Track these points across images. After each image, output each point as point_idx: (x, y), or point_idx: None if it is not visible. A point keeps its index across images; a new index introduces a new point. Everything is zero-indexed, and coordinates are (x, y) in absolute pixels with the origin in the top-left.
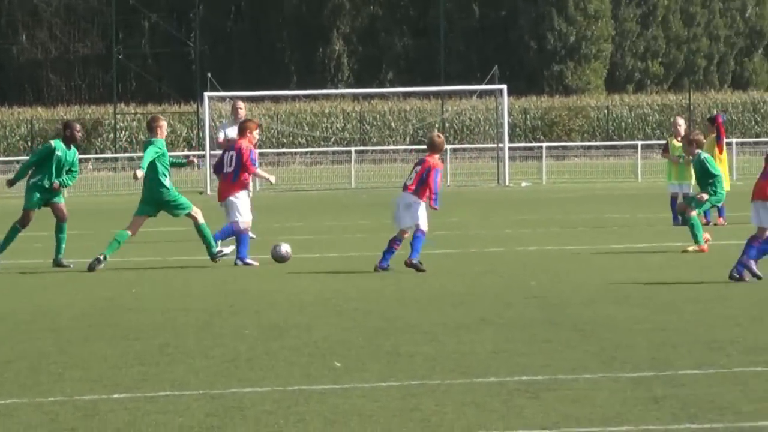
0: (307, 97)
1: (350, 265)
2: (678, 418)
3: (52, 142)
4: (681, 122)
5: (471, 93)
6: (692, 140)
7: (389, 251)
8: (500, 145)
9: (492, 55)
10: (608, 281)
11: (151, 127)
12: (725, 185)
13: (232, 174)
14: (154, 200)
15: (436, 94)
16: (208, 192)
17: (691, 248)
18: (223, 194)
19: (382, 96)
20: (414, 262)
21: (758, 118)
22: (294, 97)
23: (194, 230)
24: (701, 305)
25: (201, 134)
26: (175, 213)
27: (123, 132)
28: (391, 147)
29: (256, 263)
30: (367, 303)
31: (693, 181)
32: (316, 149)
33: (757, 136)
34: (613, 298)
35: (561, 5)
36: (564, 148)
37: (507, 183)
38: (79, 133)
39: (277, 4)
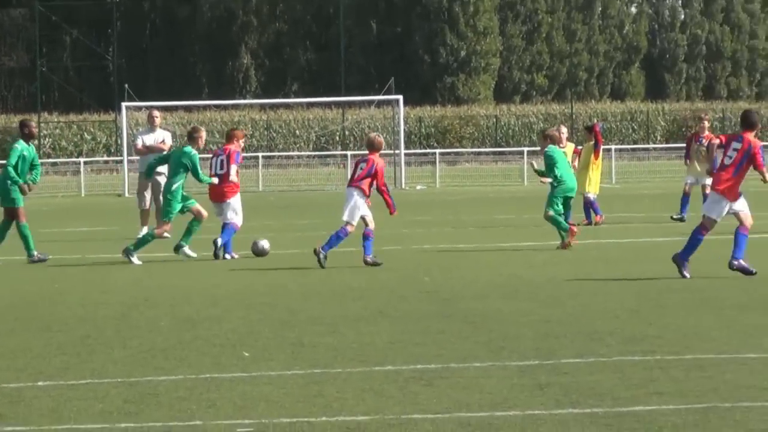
0: (217, 106)
1: (258, 262)
2: (561, 403)
3: (17, 144)
4: (564, 130)
5: (369, 103)
6: (546, 135)
7: (335, 239)
8: (397, 151)
9: (389, 68)
10: (497, 277)
11: (193, 138)
12: (596, 188)
13: (225, 175)
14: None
15: (337, 104)
16: (126, 194)
17: (570, 241)
18: (218, 196)
19: (287, 106)
20: (370, 260)
21: (635, 126)
22: (205, 107)
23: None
24: (582, 299)
25: (119, 141)
26: (164, 209)
27: (47, 139)
28: (296, 153)
29: (237, 256)
30: (273, 297)
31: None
32: None
33: (635, 143)
34: (501, 293)
35: (452, 22)
36: (456, 154)
37: (403, 186)
38: (35, 129)
39: (189, 20)
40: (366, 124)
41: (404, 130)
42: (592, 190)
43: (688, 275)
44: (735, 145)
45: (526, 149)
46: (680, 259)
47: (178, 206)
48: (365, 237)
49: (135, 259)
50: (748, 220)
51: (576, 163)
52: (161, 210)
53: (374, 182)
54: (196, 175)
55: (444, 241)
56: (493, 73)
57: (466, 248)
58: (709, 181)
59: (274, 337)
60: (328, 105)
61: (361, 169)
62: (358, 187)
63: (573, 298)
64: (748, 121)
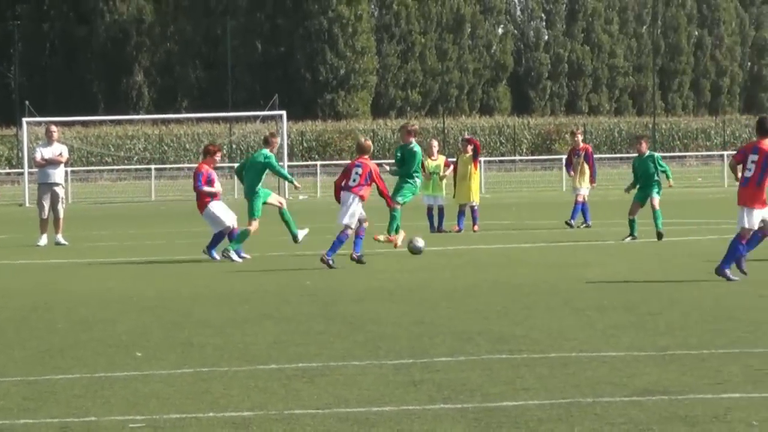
0: (112, 121)
1: (151, 268)
2: (433, 399)
3: None
4: (435, 143)
5: (255, 118)
6: (410, 130)
7: (338, 244)
8: (281, 163)
9: (273, 85)
10: (374, 281)
11: (268, 141)
12: (476, 197)
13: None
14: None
15: (225, 119)
16: (27, 204)
17: (381, 237)
18: (200, 207)
19: (177, 121)
20: (357, 256)
21: (503, 140)
22: (101, 122)
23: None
24: (454, 301)
25: (20, 154)
26: (250, 208)
27: None
28: (186, 165)
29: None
30: (165, 301)
31: (444, 193)
32: (121, 167)
33: (502, 155)
34: (378, 295)
35: (332, 42)
36: (336, 165)
37: (287, 196)
38: None
39: (86, 40)
40: (252, 138)
41: (287, 143)
42: (475, 200)
43: (736, 277)
44: (752, 157)
45: None
46: (722, 270)
47: (261, 203)
48: (357, 235)
49: (235, 256)
50: None
51: (446, 174)
52: (248, 209)
53: (372, 185)
54: (278, 173)
55: (325, 247)
56: (370, 89)
57: (345, 253)
58: (584, 191)
59: (165, 338)
60: (216, 120)
61: (358, 174)
62: (357, 194)
63: (445, 300)
64: (763, 129)
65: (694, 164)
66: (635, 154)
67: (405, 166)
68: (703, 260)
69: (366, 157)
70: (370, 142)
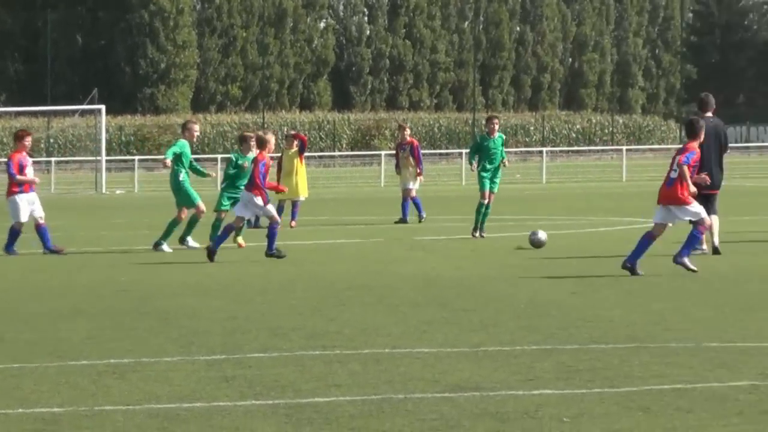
0: None
1: None
2: (245, 395)
3: None
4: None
5: (73, 112)
6: (255, 138)
7: (223, 236)
8: (98, 157)
9: (92, 79)
10: (190, 276)
11: (184, 128)
12: (303, 192)
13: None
14: (173, 190)
15: (43, 113)
16: None
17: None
18: (7, 194)
19: None
20: (273, 252)
21: (322, 135)
22: None
23: None
24: (269, 296)
25: None
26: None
27: None
28: (3, 159)
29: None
30: None
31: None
32: None
33: (321, 151)
34: (193, 291)
35: (153, 36)
36: (154, 160)
37: (104, 191)
38: None
39: None
40: (70, 132)
41: (105, 138)
42: (303, 194)
43: (695, 267)
44: (678, 157)
45: (219, 156)
46: (680, 260)
47: (191, 193)
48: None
49: (192, 243)
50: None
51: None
52: (178, 202)
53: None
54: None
55: (141, 242)
56: (190, 84)
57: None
58: (412, 185)
59: None
60: (34, 114)
61: (251, 170)
62: (248, 191)
63: (261, 295)
64: (689, 130)
65: (513, 160)
66: (466, 149)
67: (243, 175)
68: (518, 257)
69: (263, 152)
70: (269, 136)
